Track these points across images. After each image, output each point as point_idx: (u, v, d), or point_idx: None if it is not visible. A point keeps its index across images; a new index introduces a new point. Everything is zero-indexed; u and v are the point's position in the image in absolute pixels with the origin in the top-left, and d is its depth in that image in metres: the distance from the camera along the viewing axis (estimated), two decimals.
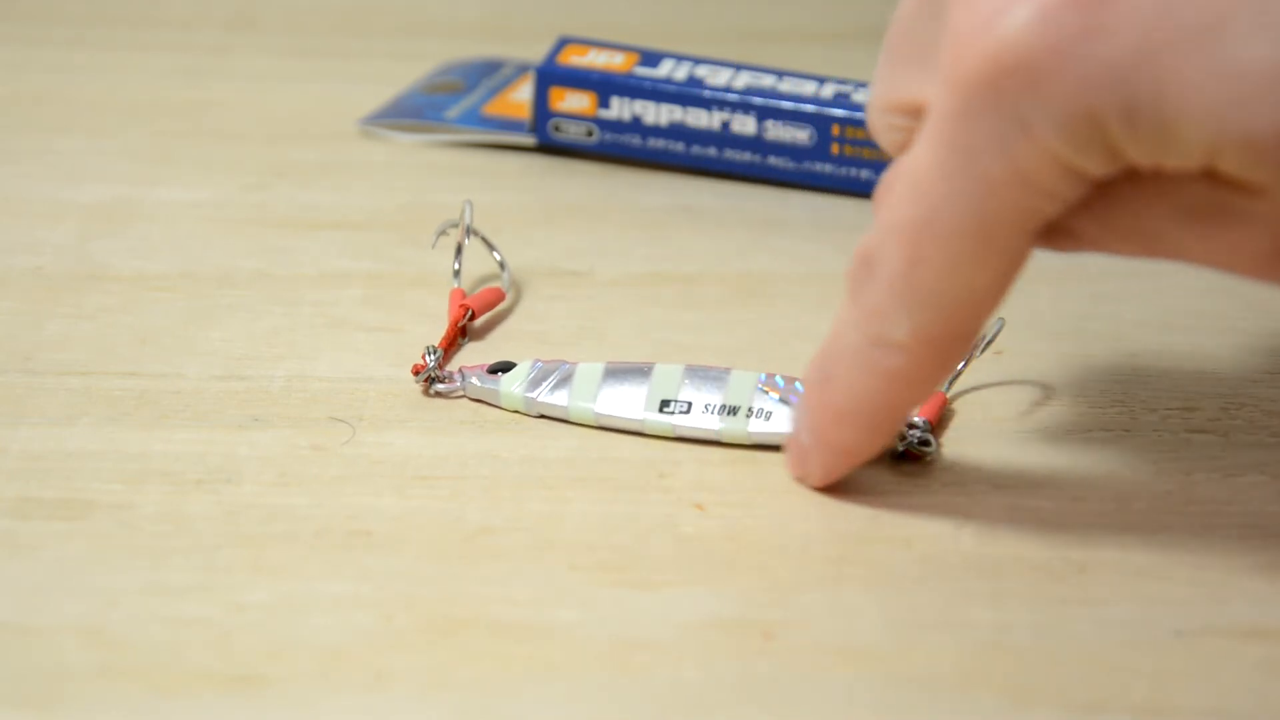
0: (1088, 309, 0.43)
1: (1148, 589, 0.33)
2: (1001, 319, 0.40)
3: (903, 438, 0.37)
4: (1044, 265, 0.35)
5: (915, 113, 0.33)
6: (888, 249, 0.32)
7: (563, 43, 0.51)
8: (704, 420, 0.38)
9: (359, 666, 0.31)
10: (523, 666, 0.31)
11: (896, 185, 0.32)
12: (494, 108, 0.54)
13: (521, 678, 0.31)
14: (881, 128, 0.34)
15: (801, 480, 0.36)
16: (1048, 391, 0.40)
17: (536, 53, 0.53)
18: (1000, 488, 0.36)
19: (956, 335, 0.33)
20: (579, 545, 0.34)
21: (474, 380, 0.39)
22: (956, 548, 0.34)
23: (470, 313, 0.42)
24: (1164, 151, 0.30)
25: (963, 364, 0.39)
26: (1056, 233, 0.33)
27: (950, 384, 0.39)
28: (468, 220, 0.43)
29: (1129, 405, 0.39)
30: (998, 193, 0.31)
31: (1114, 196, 0.32)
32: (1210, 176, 0.30)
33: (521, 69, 0.56)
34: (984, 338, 0.39)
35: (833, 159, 0.49)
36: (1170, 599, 0.33)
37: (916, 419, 0.37)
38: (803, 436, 0.36)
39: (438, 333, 0.41)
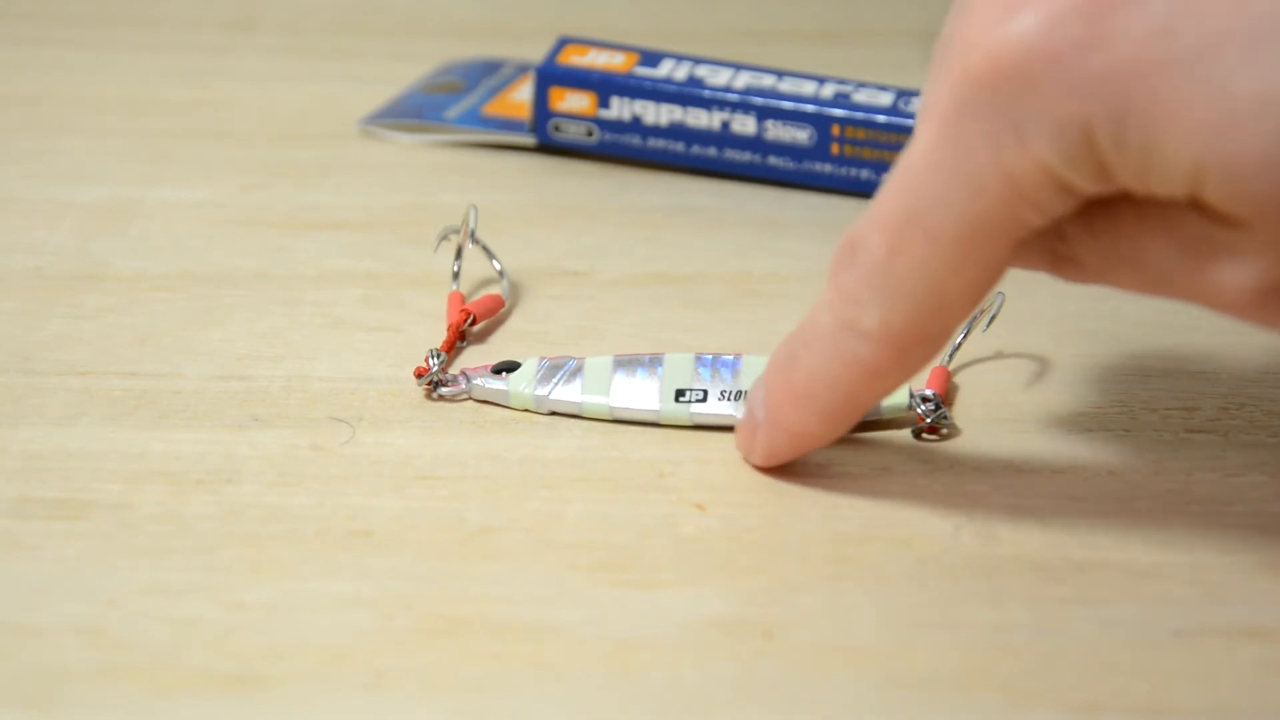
0: (1088, 309, 0.43)
1: (1148, 589, 0.33)
2: (1001, 293, 0.40)
3: (916, 410, 0.38)
4: None
5: None
6: (871, 236, 0.33)
7: (563, 43, 0.51)
8: (721, 407, 0.38)
9: (359, 666, 0.31)
10: (523, 666, 0.31)
11: (892, 176, 0.33)
12: (494, 108, 0.54)
13: (521, 678, 0.31)
14: None
15: (746, 458, 0.37)
16: (1048, 391, 0.40)
17: (536, 53, 0.53)
18: (1000, 488, 0.36)
19: (923, 335, 0.33)
20: (579, 545, 0.34)
21: (479, 382, 0.39)
22: (956, 548, 0.34)
23: (471, 318, 0.42)
24: (1149, 172, 0.30)
25: (962, 335, 0.40)
26: (1062, 261, 0.33)
27: (950, 356, 0.40)
28: (471, 225, 0.43)
29: (1129, 405, 0.39)
30: (985, 195, 0.31)
31: (1116, 225, 0.32)
32: (1199, 208, 0.30)
33: (521, 69, 0.56)
34: (989, 314, 0.40)
35: (832, 159, 0.49)
36: (1170, 599, 0.33)
37: (927, 391, 0.38)
38: (757, 413, 0.36)
39: (438, 333, 0.41)
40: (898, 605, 0.33)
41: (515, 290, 0.44)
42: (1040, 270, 0.34)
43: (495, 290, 0.43)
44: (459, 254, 0.43)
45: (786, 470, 0.37)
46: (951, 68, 0.31)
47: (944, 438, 0.38)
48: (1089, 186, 0.31)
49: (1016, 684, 0.31)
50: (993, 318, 0.40)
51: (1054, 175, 0.31)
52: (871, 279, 0.33)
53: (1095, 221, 0.32)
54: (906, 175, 0.32)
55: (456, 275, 0.43)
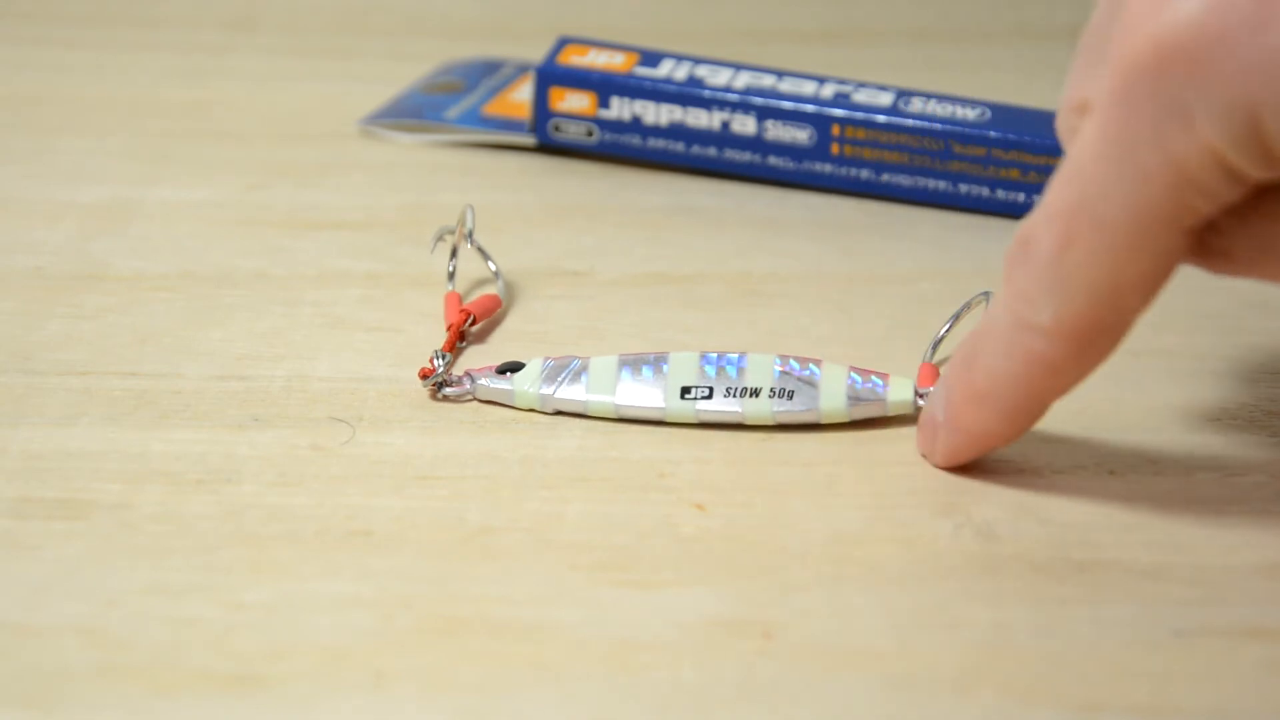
0: None
1: (1148, 589, 0.33)
2: (989, 291, 0.40)
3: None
4: None
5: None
6: (1042, 231, 0.32)
7: (563, 43, 0.51)
8: (726, 404, 0.38)
9: (359, 666, 0.31)
10: (523, 666, 0.31)
11: (1060, 169, 0.32)
12: (494, 108, 0.54)
13: (522, 678, 0.31)
14: (1064, 129, 0.34)
15: (926, 458, 0.36)
16: None
17: (536, 53, 0.53)
18: (1000, 487, 0.36)
19: (1100, 327, 0.33)
20: (579, 545, 0.34)
21: (484, 382, 0.39)
22: (956, 548, 0.34)
23: (471, 318, 0.42)
24: None
25: (946, 329, 0.40)
26: (1212, 253, 0.32)
27: (933, 350, 0.40)
28: (469, 225, 0.43)
29: (1128, 405, 0.39)
30: (1152, 183, 0.31)
31: (1272, 214, 0.31)
32: None
33: (521, 69, 0.56)
34: (965, 304, 0.40)
35: (832, 159, 0.49)
36: (1170, 599, 0.33)
37: (933, 389, 0.38)
38: (937, 413, 0.36)
39: (438, 333, 0.41)
40: (898, 605, 0.33)
41: (515, 290, 0.44)
42: (1187, 263, 0.33)
43: (492, 290, 0.43)
44: (454, 254, 0.43)
45: (787, 470, 0.37)
46: (1113, 54, 0.30)
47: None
48: (1257, 172, 0.30)
49: (1016, 684, 0.31)
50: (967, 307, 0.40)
51: (1222, 160, 0.30)
52: (1044, 274, 0.32)
53: (1249, 210, 0.31)
54: (1074, 167, 0.32)
55: (452, 275, 0.43)
